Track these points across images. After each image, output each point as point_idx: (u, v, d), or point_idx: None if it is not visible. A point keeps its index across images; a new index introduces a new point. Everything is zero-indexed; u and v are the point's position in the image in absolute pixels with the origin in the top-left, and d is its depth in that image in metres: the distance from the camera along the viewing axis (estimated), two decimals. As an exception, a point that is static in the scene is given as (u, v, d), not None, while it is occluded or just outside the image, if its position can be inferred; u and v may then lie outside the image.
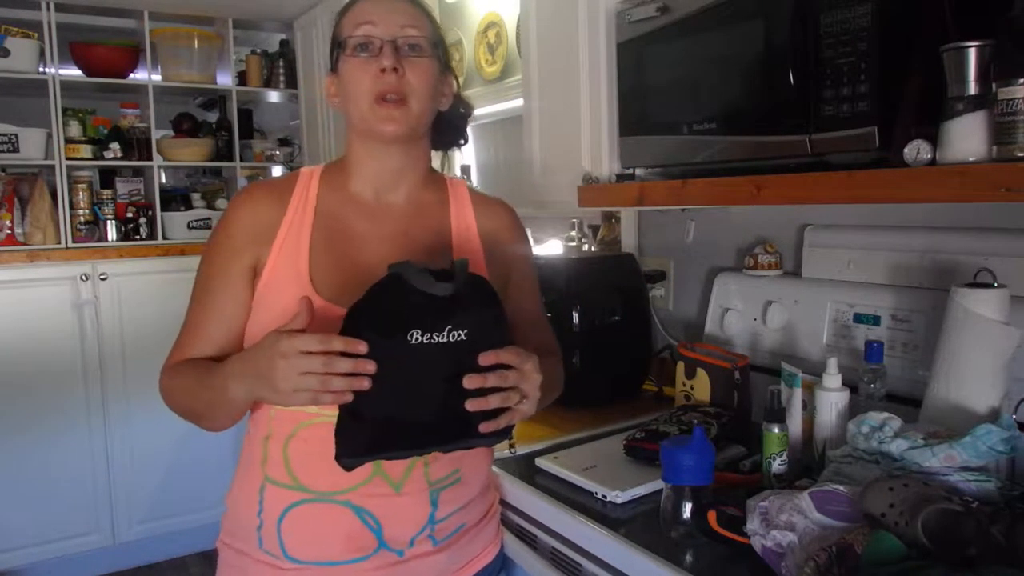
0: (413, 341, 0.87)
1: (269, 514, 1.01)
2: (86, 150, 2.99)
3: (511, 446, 1.45)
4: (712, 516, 1.04)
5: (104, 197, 3.09)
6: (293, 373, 0.83)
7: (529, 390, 0.90)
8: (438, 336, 0.88)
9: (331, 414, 0.89)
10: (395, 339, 0.87)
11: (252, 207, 1.04)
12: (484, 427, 0.88)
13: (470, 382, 0.87)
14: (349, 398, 0.85)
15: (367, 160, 1.08)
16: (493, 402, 0.87)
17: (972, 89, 0.90)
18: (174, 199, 3.30)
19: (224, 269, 1.03)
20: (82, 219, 3.03)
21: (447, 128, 1.16)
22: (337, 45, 1.05)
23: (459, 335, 0.89)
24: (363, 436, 0.88)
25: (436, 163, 1.18)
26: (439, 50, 1.06)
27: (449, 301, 0.89)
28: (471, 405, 0.87)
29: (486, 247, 1.13)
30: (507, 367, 0.88)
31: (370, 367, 0.84)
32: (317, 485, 0.99)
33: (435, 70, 1.05)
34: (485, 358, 0.88)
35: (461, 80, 2.41)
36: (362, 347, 0.84)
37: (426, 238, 1.09)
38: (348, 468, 0.89)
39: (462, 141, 1.22)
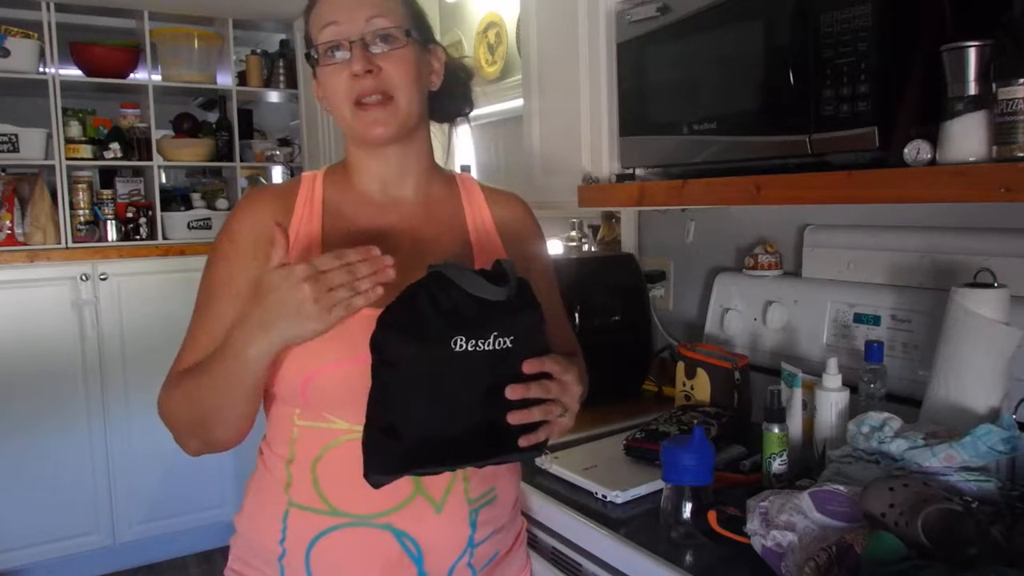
0: (457, 349, 0.80)
1: (295, 542, 0.95)
2: (86, 150, 2.99)
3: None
4: (712, 516, 1.04)
5: (104, 197, 3.09)
6: (323, 293, 0.79)
7: (570, 403, 0.85)
8: (483, 344, 0.81)
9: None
10: (436, 346, 0.80)
11: (257, 212, 0.98)
12: (524, 440, 0.81)
13: (513, 392, 0.81)
14: (380, 292, 0.81)
15: (367, 161, 1.03)
16: (536, 415, 0.82)
17: (972, 89, 0.90)
18: (174, 199, 3.30)
19: (230, 278, 0.96)
20: (82, 219, 3.02)
21: (447, 99, 1.08)
22: (309, 51, 0.99)
23: (504, 342, 0.81)
24: (397, 451, 0.81)
25: (439, 149, 1.12)
26: (416, 32, 0.98)
27: (497, 306, 0.82)
28: (514, 418, 0.81)
29: (504, 241, 1.07)
30: (549, 377, 0.83)
31: (388, 260, 0.80)
32: (354, 508, 0.93)
33: (415, 56, 0.97)
34: (530, 365, 0.82)
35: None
36: (375, 250, 0.80)
37: (441, 232, 1.04)
38: (377, 486, 0.83)
39: (467, 109, 1.14)
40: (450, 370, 0.81)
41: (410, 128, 1.00)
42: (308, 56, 1.00)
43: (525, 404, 0.82)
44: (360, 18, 0.94)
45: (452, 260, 0.83)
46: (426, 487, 0.94)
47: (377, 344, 0.82)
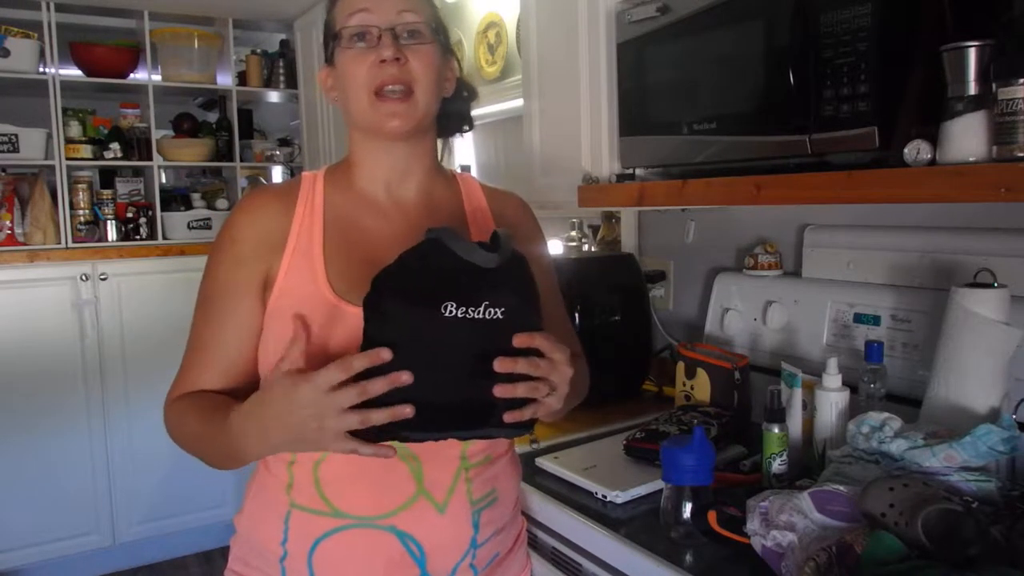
0: (447, 314, 0.80)
1: (297, 544, 0.95)
2: (86, 150, 2.99)
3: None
4: (712, 516, 1.04)
5: (104, 197, 3.08)
6: (330, 419, 0.78)
7: (558, 383, 0.84)
8: (474, 311, 0.80)
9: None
10: (426, 309, 0.80)
11: (258, 214, 0.98)
12: (509, 416, 0.81)
13: (501, 365, 0.80)
14: (408, 413, 0.78)
15: (372, 157, 1.02)
16: (521, 390, 0.81)
17: (972, 89, 0.90)
18: (174, 199, 3.30)
19: (232, 279, 0.96)
20: (82, 219, 3.02)
21: (451, 114, 1.10)
22: (331, 36, 0.99)
23: (495, 313, 0.81)
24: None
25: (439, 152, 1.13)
26: (440, 34, 1.01)
27: (489, 275, 0.82)
28: (499, 391, 0.80)
29: None
30: (539, 355, 0.82)
31: (405, 377, 0.77)
32: (357, 510, 0.93)
33: (438, 56, 0.99)
34: (520, 339, 0.81)
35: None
36: (385, 354, 0.77)
37: None
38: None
39: (466, 127, 1.16)
40: (438, 335, 0.80)
41: (423, 127, 1.01)
42: (328, 41, 1.00)
43: (512, 379, 0.81)
44: (392, 10, 0.96)
45: (449, 227, 0.83)
46: (428, 488, 0.94)
47: (370, 304, 0.82)
